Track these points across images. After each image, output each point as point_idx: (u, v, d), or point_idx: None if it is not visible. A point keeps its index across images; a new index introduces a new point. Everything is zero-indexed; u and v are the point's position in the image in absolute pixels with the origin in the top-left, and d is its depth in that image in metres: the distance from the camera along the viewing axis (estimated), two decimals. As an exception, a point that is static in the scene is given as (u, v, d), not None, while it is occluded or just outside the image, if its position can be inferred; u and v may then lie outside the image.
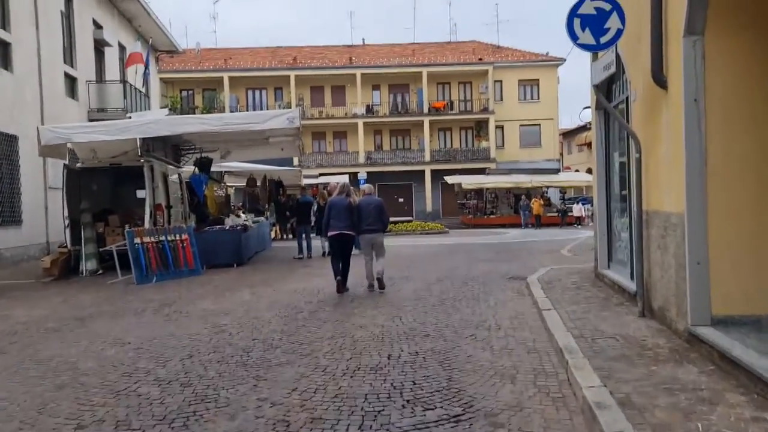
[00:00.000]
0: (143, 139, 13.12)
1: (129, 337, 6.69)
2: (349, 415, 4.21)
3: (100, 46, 20.63)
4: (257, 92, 42.17)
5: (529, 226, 30.61)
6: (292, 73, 40.67)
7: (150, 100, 24.95)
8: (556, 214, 32.84)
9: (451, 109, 42.19)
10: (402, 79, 42.17)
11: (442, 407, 4.32)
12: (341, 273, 9.43)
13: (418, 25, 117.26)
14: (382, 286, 9.49)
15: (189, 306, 8.59)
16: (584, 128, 43.27)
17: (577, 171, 44.32)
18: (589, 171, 40.47)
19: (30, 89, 15.75)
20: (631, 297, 7.26)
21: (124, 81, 21.03)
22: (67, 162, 14.03)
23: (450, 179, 36.09)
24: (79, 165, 13.84)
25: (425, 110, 41.37)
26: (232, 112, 36.79)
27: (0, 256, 14.02)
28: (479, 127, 42.46)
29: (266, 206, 22.21)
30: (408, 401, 4.46)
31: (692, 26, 5.11)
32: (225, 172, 22.79)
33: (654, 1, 5.65)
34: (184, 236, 12.29)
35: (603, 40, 6.48)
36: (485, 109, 41.46)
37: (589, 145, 43.92)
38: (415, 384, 4.85)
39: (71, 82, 18.45)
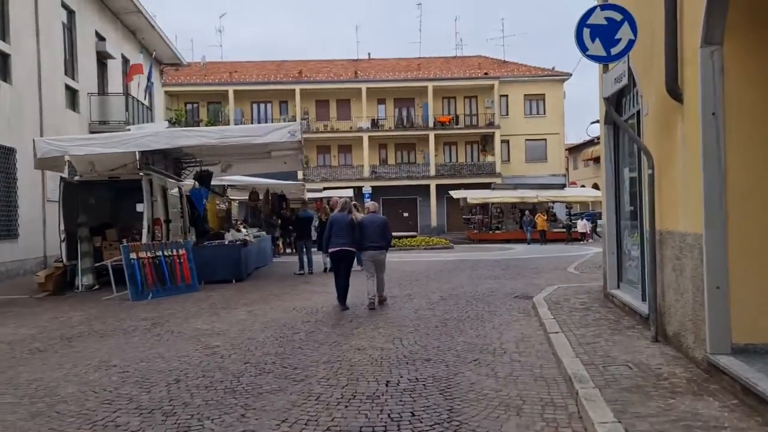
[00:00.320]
0: (142, 152, 12.93)
1: (115, 359, 6.38)
2: (341, 453, 3.88)
3: (102, 58, 20.52)
4: (262, 106, 42.11)
5: (532, 242, 30.17)
6: (297, 87, 40.62)
7: (153, 112, 24.83)
8: (562, 230, 32.41)
9: (457, 123, 42.00)
10: (407, 93, 42.05)
11: (442, 444, 3.98)
12: (343, 289, 9.45)
13: (424, 41, 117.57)
14: (382, 303, 9.49)
15: (182, 325, 8.28)
16: (590, 143, 42.97)
17: (583, 186, 43.90)
18: (596, 186, 40.18)
19: (29, 101, 15.58)
20: (643, 320, 6.91)
21: (126, 93, 20.89)
22: (66, 175, 13.84)
23: (455, 194, 35.77)
24: (77, 178, 13.63)
25: (430, 124, 41.19)
26: (236, 125, 36.68)
27: (-5, 271, 13.76)
28: (485, 142, 42.23)
29: (278, 221, 21.80)
30: (405, 436, 4.13)
31: (710, 36, 4.81)
32: (228, 185, 22.58)
33: (668, 9, 5.35)
34: (181, 251, 12.01)
35: (614, 51, 6.20)
36: (491, 124, 41.25)
37: (595, 160, 43.68)
38: (413, 416, 4.52)
39: (72, 94, 18.30)
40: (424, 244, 26.47)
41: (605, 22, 6.17)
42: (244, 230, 17.19)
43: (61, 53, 17.54)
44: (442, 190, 39.51)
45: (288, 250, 22.22)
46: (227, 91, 40.56)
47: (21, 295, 11.83)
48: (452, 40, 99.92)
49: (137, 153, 12.90)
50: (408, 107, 42.36)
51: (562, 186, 39.29)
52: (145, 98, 22.01)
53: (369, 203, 10.87)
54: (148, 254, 11.45)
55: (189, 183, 16.55)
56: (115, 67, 21.61)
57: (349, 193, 32.82)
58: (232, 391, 5.21)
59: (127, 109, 20.06)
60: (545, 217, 32.12)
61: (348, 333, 7.53)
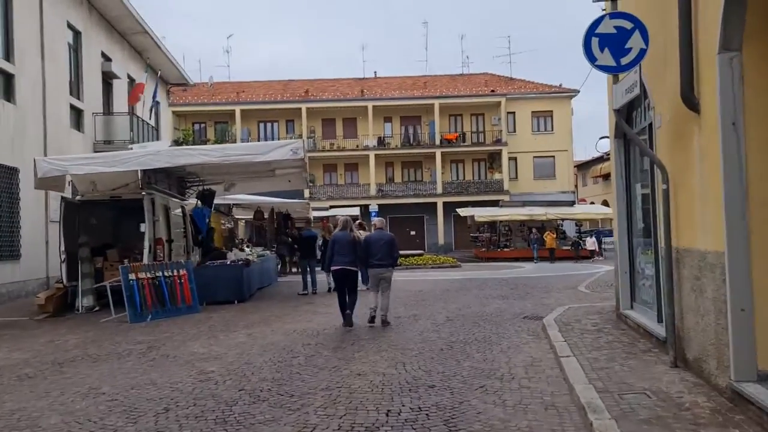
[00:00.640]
0: (145, 171, 12.75)
1: (105, 386, 6.09)
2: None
3: (108, 78, 20.49)
4: (269, 125, 42.15)
5: (538, 260, 29.70)
6: (304, 106, 40.64)
7: (160, 132, 24.79)
8: (570, 248, 31.93)
9: (464, 140, 41.82)
10: (414, 111, 41.98)
11: (445, 483, 3.66)
12: (348, 309, 9.41)
13: (430, 59, 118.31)
14: (386, 324, 9.29)
15: (178, 349, 7.99)
16: (599, 160, 42.64)
17: (592, 203, 43.45)
18: (605, 203, 39.74)
19: (33, 121, 15.49)
20: (659, 343, 6.55)
21: (131, 113, 20.83)
22: (68, 194, 13.67)
23: (462, 212, 35.42)
24: (78, 198, 13.45)
25: (437, 142, 41.03)
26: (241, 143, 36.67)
27: (-5, 292, 13.55)
28: (492, 159, 42.00)
29: (287, 239, 21.47)
30: (406, 474, 3.81)
31: (728, 41, 4.54)
32: (233, 204, 22.41)
33: (682, 15, 5.09)
34: (182, 272, 11.75)
35: (624, 61, 5.94)
36: (498, 141, 41.05)
37: (604, 176, 43.30)
38: (415, 450, 4.20)
39: (77, 114, 18.24)
40: (431, 262, 26.11)
41: (615, 31, 5.92)
42: (247, 249, 16.94)
43: (66, 73, 17.50)
44: (449, 207, 39.21)
45: (294, 270, 21.92)
46: (234, 110, 40.65)
47: (21, 317, 11.59)
48: (458, 58, 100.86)
49: (139, 172, 12.73)
50: (414, 125, 42.26)
51: (572, 203, 38.87)
52: (150, 117, 21.94)
53: (376, 220, 10.72)
54: (148, 275, 11.20)
55: (193, 202, 16.36)
56: (120, 87, 21.58)
57: (356, 211, 32.57)
58: (223, 421, 4.91)
59: (132, 129, 19.98)
60: (554, 235, 31.67)
61: (349, 357, 7.22)
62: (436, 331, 8.82)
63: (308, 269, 14.72)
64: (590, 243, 31.62)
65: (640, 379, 5.48)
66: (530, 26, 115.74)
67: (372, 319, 9.34)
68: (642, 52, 5.85)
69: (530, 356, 7.02)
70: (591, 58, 6.02)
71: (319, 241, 15.91)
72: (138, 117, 20.79)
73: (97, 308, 12.18)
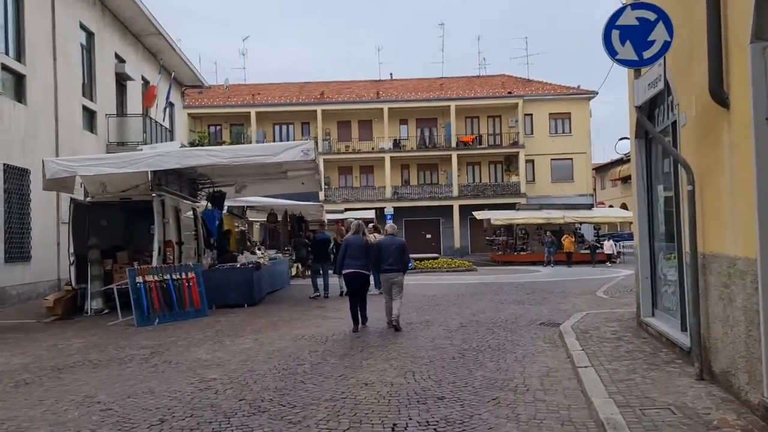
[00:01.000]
0: (155, 173, 12.60)
1: (101, 395, 5.87)
2: None
3: (122, 79, 20.46)
4: (284, 127, 42.10)
5: (551, 265, 29.12)
6: (319, 108, 40.51)
7: (174, 134, 24.76)
8: (587, 251, 31.28)
9: (480, 143, 41.39)
10: (430, 113, 41.65)
11: None
12: (359, 312, 9.45)
13: (447, 61, 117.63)
14: (397, 329, 9.18)
15: (182, 354, 7.76)
16: (618, 162, 41.92)
17: (611, 206, 42.71)
18: (624, 207, 39.04)
19: (44, 122, 15.43)
20: (683, 353, 6.18)
21: (145, 115, 20.78)
22: (79, 196, 13.55)
23: (479, 215, 34.94)
24: (87, 199, 13.33)
25: (453, 144, 40.66)
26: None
27: (5, 294, 13.46)
28: (509, 162, 41.53)
29: (307, 241, 21.19)
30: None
31: (761, 30, 4.19)
32: (247, 207, 22.25)
33: (710, 2, 4.73)
34: (190, 275, 11.56)
35: (647, 54, 5.59)
36: (515, 143, 40.57)
37: (623, 179, 42.61)
38: (420, 470, 3.90)
39: (90, 115, 18.19)
40: (446, 266, 25.75)
41: (636, 23, 5.58)
42: (259, 252, 16.73)
43: (79, 74, 17.46)
44: (465, 210, 38.80)
45: (308, 273, 21.67)
46: (250, 112, 40.65)
47: (29, 320, 11.48)
48: (475, 59, 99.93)
49: (149, 173, 12.58)
50: (430, 127, 41.93)
51: (590, 206, 38.20)
52: (164, 119, 21.88)
53: (388, 225, 10.78)
54: (155, 278, 11.02)
55: (204, 204, 16.19)
56: (134, 89, 21.55)
57: (371, 214, 32.32)
58: (219, 434, 4.66)
59: (145, 131, 19.92)
60: (572, 239, 31.07)
61: (356, 365, 6.93)
62: (449, 338, 8.51)
63: (320, 272, 14.50)
64: (607, 246, 30.95)
65: (663, 393, 5.13)
66: (548, 27, 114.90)
67: (390, 324, 9.37)
68: (666, 45, 5.50)
69: (546, 366, 6.69)
70: (611, 51, 5.69)
71: (331, 245, 15.65)
72: (152, 119, 20.73)
73: (106, 311, 12.04)
